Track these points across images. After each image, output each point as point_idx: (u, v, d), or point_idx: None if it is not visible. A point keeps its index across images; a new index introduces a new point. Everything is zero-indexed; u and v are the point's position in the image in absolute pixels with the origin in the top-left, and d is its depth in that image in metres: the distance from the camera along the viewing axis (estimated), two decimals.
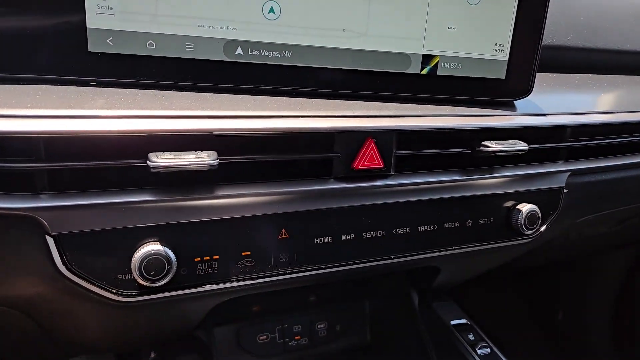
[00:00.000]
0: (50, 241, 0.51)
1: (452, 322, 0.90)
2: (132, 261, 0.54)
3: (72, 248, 0.52)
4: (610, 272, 1.81)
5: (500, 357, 0.83)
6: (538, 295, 2.00)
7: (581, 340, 1.90)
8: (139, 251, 0.54)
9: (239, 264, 0.61)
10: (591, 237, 1.21)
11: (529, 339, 2.00)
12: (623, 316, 1.82)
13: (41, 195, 0.50)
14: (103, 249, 0.54)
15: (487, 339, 0.87)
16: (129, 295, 0.55)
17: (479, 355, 0.83)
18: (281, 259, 0.63)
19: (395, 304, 1.04)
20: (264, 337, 1.01)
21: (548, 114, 0.77)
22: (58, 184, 0.51)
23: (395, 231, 0.70)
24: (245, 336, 0.99)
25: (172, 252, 0.55)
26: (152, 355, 0.76)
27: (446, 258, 0.79)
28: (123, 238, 0.54)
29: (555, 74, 0.96)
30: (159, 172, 0.51)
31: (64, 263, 0.52)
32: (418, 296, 0.97)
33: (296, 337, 1.04)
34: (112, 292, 0.55)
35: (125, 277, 0.55)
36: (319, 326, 1.06)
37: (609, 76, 1.03)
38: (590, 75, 1.01)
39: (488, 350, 0.85)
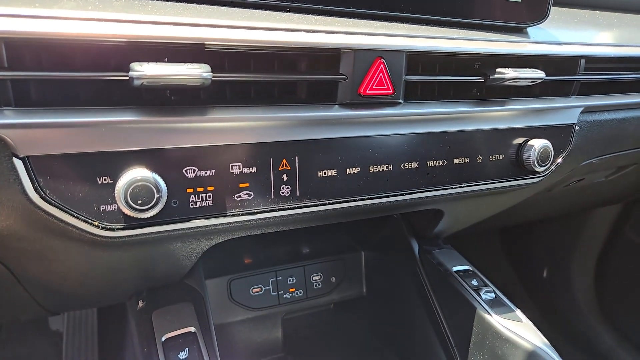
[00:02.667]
0: (19, 164, 0.44)
1: (454, 269, 0.87)
2: (116, 189, 0.47)
3: (45, 173, 0.45)
4: (593, 231, 1.83)
5: (505, 302, 0.81)
6: (523, 252, 2.02)
7: (567, 298, 1.93)
8: (124, 177, 0.47)
9: (237, 197, 0.55)
10: (587, 187, 1.19)
11: (515, 296, 2.03)
12: (606, 270, 1.85)
13: (5, 111, 0.43)
14: (81, 175, 0.47)
15: (490, 284, 0.84)
16: (114, 228, 0.49)
17: (484, 300, 0.80)
18: (282, 193, 0.57)
19: (392, 254, 1.00)
20: (257, 289, 0.96)
21: (564, 43, 0.72)
22: (25, 98, 0.44)
23: (404, 166, 0.64)
24: (238, 288, 0.94)
25: (161, 180, 0.49)
26: (140, 304, 0.71)
27: (452, 199, 0.75)
28: (104, 163, 0.48)
29: (564, 9, 0.90)
30: (142, 84, 0.44)
31: (36, 190, 0.45)
32: (417, 243, 0.94)
33: (290, 290, 1.00)
34: (95, 225, 0.48)
35: (109, 207, 0.48)
36: (314, 278, 1.02)
37: (616, 14, 0.98)
38: (598, 12, 0.96)
39: (493, 295, 0.82)
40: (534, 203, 1.18)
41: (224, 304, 0.93)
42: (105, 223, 0.49)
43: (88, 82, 0.46)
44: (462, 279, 0.84)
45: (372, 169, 0.62)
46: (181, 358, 0.62)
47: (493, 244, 2.07)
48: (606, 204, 1.70)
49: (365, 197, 0.63)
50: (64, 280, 0.64)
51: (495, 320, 0.77)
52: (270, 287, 0.98)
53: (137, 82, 0.44)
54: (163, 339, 0.64)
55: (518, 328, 0.75)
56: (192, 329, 0.66)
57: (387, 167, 0.63)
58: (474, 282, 0.84)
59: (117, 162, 0.48)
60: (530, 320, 0.77)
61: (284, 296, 0.99)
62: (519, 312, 0.79)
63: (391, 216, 0.98)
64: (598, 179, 1.11)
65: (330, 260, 1.04)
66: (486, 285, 0.84)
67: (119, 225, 0.49)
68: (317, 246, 1.05)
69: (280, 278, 0.98)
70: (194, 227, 0.54)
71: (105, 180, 0.48)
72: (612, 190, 1.35)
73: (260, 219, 0.57)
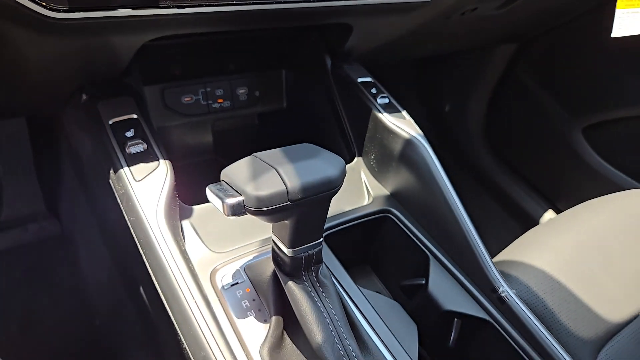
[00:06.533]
0: None
1: (359, 80, 1.03)
2: None
3: None
4: (492, 66, 2.07)
5: (395, 105, 1.00)
6: (433, 86, 2.27)
7: (462, 128, 2.26)
8: None
9: None
10: (482, 20, 1.34)
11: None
12: (495, 105, 2.17)
13: None
14: None
15: (386, 92, 1.02)
16: (60, 9, 0.56)
17: (379, 104, 0.99)
18: None
19: (309, 72, 1.14)
20: (188, 98, 1.08)
21: None
22: None
23: None
24: (171, 97, 1.05)
25: None
26: (84, 97, 0.80)
27: (358, 13, 0.87)
28: None
29: None
30: None
31: None
32: (331, 60, 1.08)
33: (219, 100, 1.12)
34: (43, 5, 0.55)
35: None
36: (239, 91, 1.15)
37: None
38: None
39: (387, 100, 1.01)
40: (437, 33, 1.34)
41: (158, 110, 1.05)
42: (52, 4, 0.55)
43: None
44: (364, 88, 1.02)
45: None
46: (128, 136, 0.75)
47: (409, 77, 2.29)
48: (504, 41, 1.90)
49: (282, 1, 0.73)
50: (14, 71, 0.70)
51: (385, 118, 0.97)
52: (200, 97, 1.09)
53: None
54: (110, 122, 0.76)
55: (401, 124, 0.96)
56: (135, 116, 0.79)
57: None
58: (373, 90, 1.02)
59: None
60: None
61: (213, 106, 1.12)
62: (404, 113, 0.99)
63: (310, 36, 1.09)
64: (490, 10, 1.26)
65: (254, 76, 1.16)
66: (382, 92, 1.02)
67: (64, 7, 0.56)
68: (242, 62, 1.15)
69: (209, 89, 1.10)
70: (131, 16, 0.62)
71: None
72: (505, 25, 1.53)
73: (189, 13, 0.66)
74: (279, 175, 0.57)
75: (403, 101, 1.02)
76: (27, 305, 1.49)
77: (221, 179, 0.60)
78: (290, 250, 0.62)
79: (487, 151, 2.28)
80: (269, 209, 0.55)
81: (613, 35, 1.35)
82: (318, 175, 0.58)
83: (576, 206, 1.29)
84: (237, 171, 0.59)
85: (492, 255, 1.06)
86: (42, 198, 1.61)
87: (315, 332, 0.62)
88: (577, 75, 1.87)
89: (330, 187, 0.59)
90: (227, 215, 0.56)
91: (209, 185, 0.58)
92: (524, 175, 2.15)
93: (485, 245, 0.88)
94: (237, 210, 0.56)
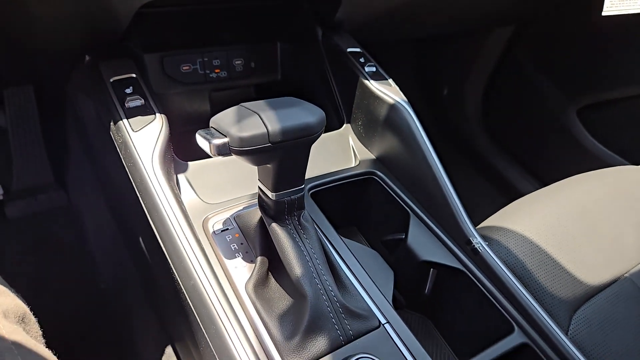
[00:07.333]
0: None
1: (348, 50, 1.08)
2: None
3: None
4: (489, 49, 2.10)
5: (382, 74, 1.05)
6: (430, 69, 2.30)
7: (459, 111, 2.30)
8: None
9: None
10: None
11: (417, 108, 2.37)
12: (493, 88, 2.20)
13: None
14: None
15: (373, 61, 1.07)
16: None
17: (366, 72, 1.04)
18: None
19: (302, 44, 1.19)
20: (187, 67, 1.14)
21: None
22: None
23: None
24: (170, 64, 1.11)
25: None
26: (87, 58, 0.86)
27: None
28: None
29: None
30: None
31: None
32: (321, 31, 1.13)
33: (216, 70, 1.18)
34: None
35: None
36: (236, 62, 1.20)
37: None
38: None
39: (374, 68, 1.06)
40: (427, 8, 1.38)
41: (158, 77, 1.11)
42: None
43: None
44: (352, 57, 1.07)
45: None
46: (127, 92, 0.81)
47: (408, 60, 2.33)
48: (501, 23, 1.93)
49: None
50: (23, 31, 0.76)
51: (372, 85, 1.02)
52: (198, 66, 1.15)
53: None
54: (111, 80, 0.82)
55: (387, 90, 1.01)
56: (134, 75, 0.84)
57: None
58: (362, 60, 1.07)
59: None
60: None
61: (210, 75, 1.17)
62: (390, 81, 1.04)
63: (301, 7, 1.14)
64: None
65: (250, 47, 1.21)
66: (370, 61, 1.07)
67: None
68: (238, 33, 1.20)
69: (207, 59, 1.15)
70: None
71: None
72: (496, 4, 1.56)
73: None
74: (261, 119, 0.62)
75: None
76: (37, 270, 1.56)
77: (210, 125, 0.65)
78: (274, 194, 0.68)
79: (484, 133, 2.31)
80: (251, 149, 0.61)
81: (604, 13, 1.38)
82: (297, 121, 0.63)
83: (563, 180, 1.33)
84: (224, 117, 0.64)
85: (478, 223, 1.11)
86: (51, 170, 1.68)
87: (295, 267, 0.68)
88: (572, 56, 1.90)
89: (309, 133, 0.65)
90: (214, 155, 0.61)
91: (199, 130, 0.63)
92: (520, 157, 2.18)
93: (463, 203, 0.93)
94: (223, 150, 0.61)
